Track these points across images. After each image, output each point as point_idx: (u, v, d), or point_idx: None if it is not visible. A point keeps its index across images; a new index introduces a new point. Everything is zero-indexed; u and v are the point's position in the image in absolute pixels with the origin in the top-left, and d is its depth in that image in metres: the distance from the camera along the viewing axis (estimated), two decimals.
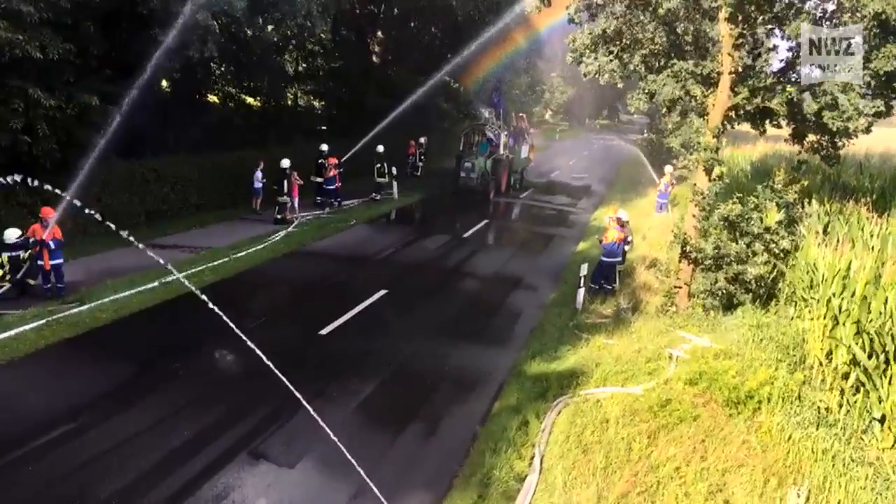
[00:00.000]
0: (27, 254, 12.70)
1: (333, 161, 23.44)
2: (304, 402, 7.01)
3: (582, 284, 14.63)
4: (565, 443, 8.60)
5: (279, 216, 20.60)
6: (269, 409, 9.36)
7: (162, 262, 8.56)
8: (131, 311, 12.46)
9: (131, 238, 6.45)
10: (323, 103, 34.99)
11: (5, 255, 12.56)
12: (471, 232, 22.30)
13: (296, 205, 21.67)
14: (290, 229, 19.95)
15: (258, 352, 6.68)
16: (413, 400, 10.16)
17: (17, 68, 13.36)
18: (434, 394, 10.44)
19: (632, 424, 8.73)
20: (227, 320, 6.66)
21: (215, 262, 15.68)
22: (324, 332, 12.21)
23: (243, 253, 16.47)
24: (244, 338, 6.82)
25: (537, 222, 25.56)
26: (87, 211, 7.30)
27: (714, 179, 12.71)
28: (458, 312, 14.60)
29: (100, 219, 6.76)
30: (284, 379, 6.82)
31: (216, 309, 6.34)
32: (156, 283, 13.73)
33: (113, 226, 6.53)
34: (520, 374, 11.19)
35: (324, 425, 7.06)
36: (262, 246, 17.59)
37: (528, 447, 8.72)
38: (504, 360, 11.89)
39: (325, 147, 23.79)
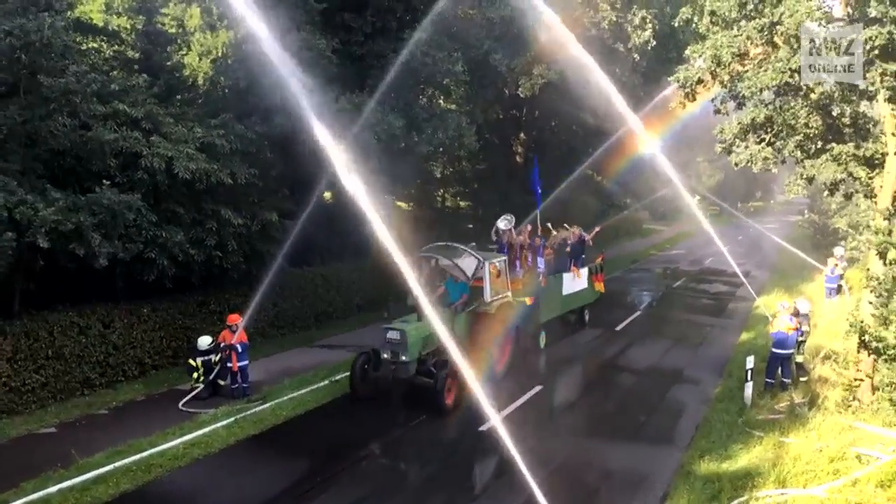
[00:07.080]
0: (218, 357, 14.11)
1: None
2: None
3: (749, 378, 13.90)
4: None
5: None
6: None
7: None
8: (306, 409, 13.40)
9: None
10: (468, 203, 36.53)
11: (199, 360, 14.05)
12: (624, 324, 21.93)
13: None
14: None
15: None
16: (577, 501, 10.01)
17: (212, 192, 15.36)
18: (598, 494, 10.25)
19: None
20: None
21: None
22: (482, 428, 12.42)
23: None
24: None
25: (693, 311, 24.65)
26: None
27: (890, 263, 11.89)
28: (617, 408, 14.32)
29: None
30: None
31: None
32: (325, 382, 14.77)
33: None
34: (688, 473, 10.72)
35: None
36: None
37: None
38: (669, 459, 11.47)
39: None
